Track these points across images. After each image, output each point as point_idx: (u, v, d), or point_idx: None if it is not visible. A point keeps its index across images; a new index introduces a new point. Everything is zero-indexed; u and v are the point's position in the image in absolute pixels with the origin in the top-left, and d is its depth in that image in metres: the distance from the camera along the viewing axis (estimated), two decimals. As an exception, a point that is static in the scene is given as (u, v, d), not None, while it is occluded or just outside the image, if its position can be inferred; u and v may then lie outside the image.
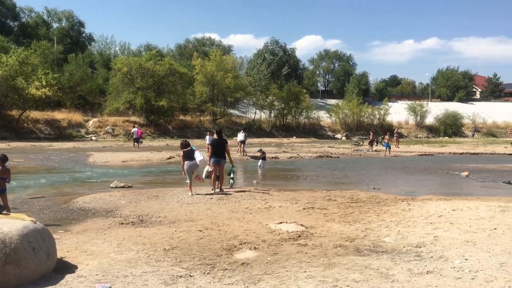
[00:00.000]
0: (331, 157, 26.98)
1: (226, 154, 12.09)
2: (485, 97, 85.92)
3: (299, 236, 6.89)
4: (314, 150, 31.37)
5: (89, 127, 43.85)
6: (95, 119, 45.30)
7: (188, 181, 11.33)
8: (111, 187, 12.82)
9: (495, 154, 30.58)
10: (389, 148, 29.02)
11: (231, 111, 57.93)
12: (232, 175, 12.84)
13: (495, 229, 7.18)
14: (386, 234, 7.08)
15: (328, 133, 58.28)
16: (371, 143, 33.26)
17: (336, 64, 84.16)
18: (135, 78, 45.59)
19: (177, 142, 37.04)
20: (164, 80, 46.85)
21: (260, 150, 20.56)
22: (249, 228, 7.48)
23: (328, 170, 19.81)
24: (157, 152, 25.84)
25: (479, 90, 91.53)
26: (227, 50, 72.39)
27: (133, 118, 46.49)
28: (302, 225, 7.67)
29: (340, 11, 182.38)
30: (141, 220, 8.45)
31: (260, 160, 19.56)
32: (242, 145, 25.88)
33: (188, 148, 11.55)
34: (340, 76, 77.89)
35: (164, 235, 6.96)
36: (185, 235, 6.93)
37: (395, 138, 36.33)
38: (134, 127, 35.83)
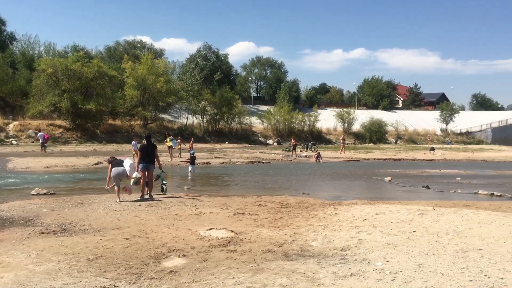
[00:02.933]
0: (263, 162, 27.29)
1: (155, 160, 11.89)
2: (406, 106, 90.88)
3: (229, 242, 6.89)
4: (246, 155, 31.56)
5: (9, 130, 41.33)
6: (16, 123, 42.79)
7: (116, 187, 11.00)
8: (32, 194, 12.14)
9: (415, 160, 32.36)
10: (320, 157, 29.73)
11: (163, 115, 56.96)
12: (164, 181, 12.62)
13: (414, 231, 7.58)
14: (313, 238, 7.25)
15: (260, 138, 58.91)
16: (294, 149, 33.75)
17: (268, 71, 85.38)
18: (61, 80, 43.59)
19: (106, 147, 36.09)
20: (92, 83, 45.23)
21: (193, 153, 20.48)
22: (178, 235, 7.37)
23: (259, 176, 20.00)
24: (84, 158, 24.83)
25: (401, 99, 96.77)
26: (159, 53, 71.20)
27: (58, 122, 44.45)
28: (232, 231, 7.68)
29: (273, 19, 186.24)
30: (64, 229, 8.06)
31: (190, 166, 19.45)
32: (172, 150, 25.88)
33: (116, 159, 11.30)
34: (272, 83, 79.09)
35: (88, 244, 6.68)
36: (111, 244, 6.70)
37: (341, 144, 37.67)
38: (39, 131, 34.20)
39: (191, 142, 29.12)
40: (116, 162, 11.13)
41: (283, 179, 18.94)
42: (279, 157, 31.26)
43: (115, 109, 49.66)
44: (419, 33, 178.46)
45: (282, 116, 59.72)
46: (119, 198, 10.84)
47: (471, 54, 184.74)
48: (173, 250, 6.41)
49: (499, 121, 71.92)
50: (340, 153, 35.47)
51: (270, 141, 57.38)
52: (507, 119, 72.69)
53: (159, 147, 14.99)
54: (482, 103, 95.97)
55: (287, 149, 38.80)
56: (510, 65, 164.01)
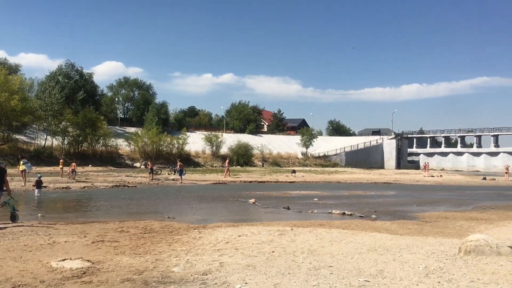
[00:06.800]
0: (128, 186, 26.41)
1: (3, 185, 10.82)
2: (271, 130, 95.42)
3: (84, 273, 6.47)
4: (111, 179, 30.25)
5: None
6: None
7: None
8: None
9: (278, 182, 33.99)
10: (181, 175, 30.66)
11: (17, 136, 52.15)
12: (15, 209, 11.49)
13: (273, 252, 7.91)
14: (175, 263, 7.16)
15: (127, 161, 56.94)
16: (151, 171, 32.50)
17: (136, 92, 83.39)
18: None
19: None
20: None
21: (40, 177, 19.53)
22: (26, 268, 6.72)
23: (124, 200, 19.29)
24: None
25: (266, 123, 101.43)
26: (14, 69, 65.43)
27: None
28: (88, 260, 7.24)
29: (142, 40, 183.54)
30: None
31: (36, 189, 18.53)
32: (25, 174, 23.79)
33: None
34: (140, 105, 77.31)
35: None
36: None
37: (226, 168, 37.87)
38: None
39: (73, 165, 29.88)
40: None
41: (149, 203, 18.50)
42: (146, 180, 30.50)
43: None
44: (283, 62, 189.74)
45: (150, 138, 58.62)
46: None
47: (328, 84, 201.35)
48: (19, 286, 5.83)
49: (351, 146, 79.17)
50: (224, 177, 35.67)
51: (137, 164, 55.76)
52: (357, 144, 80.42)
53: (11, 171, 13.69)
54: (337, 129, 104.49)
55: (155, 172, 37.72)
56: (361, 95, 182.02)
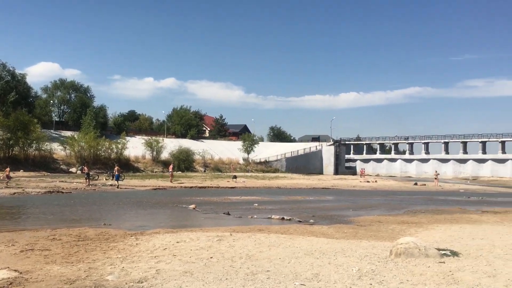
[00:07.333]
0: (63, 192, 25.41)
1: None
2: (213, 136, 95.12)
3: (11, 284, 6.15)
4: (44, 185, 28.93)
5: None
6: None
7: None
8: None
9: (219, 187, 33.92)
10: (118, 180, 30.40)
11: None
12: None
13: (211, 258, 7.88)
14: (110, 272, 6.96)
15: (62, 166, 54.59)
16: (87, 177, 31.69)
17: (73, 95, 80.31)
18: None
19: None
20: None
21: None
22: None
23: (57, 207, 18.51)
24: None
25: (208, 129, 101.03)
26: None
27: None
28: (16, 270, 6.88)
29: (80, 40, 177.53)
30: None
31: None
32: None
33: None
34: (77, 108, 74.50)
35: None
36: None
37: (170, 173, 37.82)
38: None
39: (7, 170, 28.98)
40: None
41: (84, 209, 17.87)
42: (82, 186, 29.45)
43: None
44: (226, 68, 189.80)
45: (87, 142, 56.56)
46: None
47: (270, 91, 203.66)
48: None
49: (291, 152, 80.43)
50: (171, 181, 35.84)
51: (73, 169, 53.65)
52: (298, 150, 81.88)
53: None
54: (278, 135, 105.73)
55: (92, 177, 36.54)
56: (301, 102, 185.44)
